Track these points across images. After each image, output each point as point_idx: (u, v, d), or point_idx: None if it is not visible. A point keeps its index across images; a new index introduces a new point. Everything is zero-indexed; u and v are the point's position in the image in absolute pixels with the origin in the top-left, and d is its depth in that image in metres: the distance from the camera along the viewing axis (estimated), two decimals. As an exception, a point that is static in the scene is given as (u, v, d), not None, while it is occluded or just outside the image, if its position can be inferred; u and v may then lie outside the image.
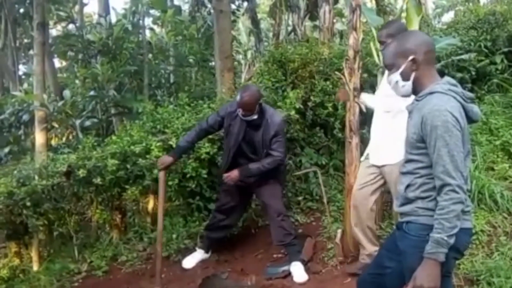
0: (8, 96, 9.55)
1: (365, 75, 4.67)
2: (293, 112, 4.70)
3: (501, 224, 3.90)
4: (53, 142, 8.01)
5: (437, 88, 2.01)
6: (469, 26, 6.36)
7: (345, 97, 3.80)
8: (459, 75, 5.66)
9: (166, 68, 9.78)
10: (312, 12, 8.87)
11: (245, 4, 10.25)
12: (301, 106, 4.91)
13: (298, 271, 3.80)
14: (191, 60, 9.89)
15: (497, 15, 6.33)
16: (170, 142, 4.37)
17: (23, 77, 13.21)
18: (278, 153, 3.80)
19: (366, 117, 3.89)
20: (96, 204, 4.72)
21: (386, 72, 3.52)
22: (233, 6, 9.64)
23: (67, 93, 6.91)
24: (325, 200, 4.19)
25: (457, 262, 2.75)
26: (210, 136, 4.35)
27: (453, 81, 2.07)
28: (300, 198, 4.90)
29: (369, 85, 4.84)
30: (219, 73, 5.80)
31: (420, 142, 2.01)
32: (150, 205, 4.88)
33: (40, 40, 5.63)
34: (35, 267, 4.53)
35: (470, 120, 2.05)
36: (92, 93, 7.54)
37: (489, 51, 6.14)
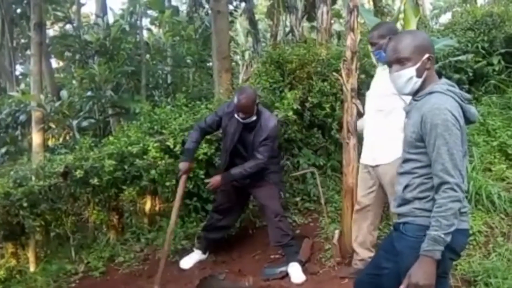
0: (5, 96, 9.52)
1: (363, 76, 4.66)
2: (290, 113, 4.70)
3: (498, 225, 3.90)
4: (50, 143, 7.99)
5: (436, 88, 2.01)
6: (466, 27, 6.37)
7: None
8: (456, 76, 5.66)
9: (164, 68, 9.77)
10: (310, 13, 8.87)
11: (243, 4, 10.25)
12: (299, 107, 4.91)
13: (295, 272, 3.80)
14: (188, 61, 9.88)
15: (494, 17, 6.34)
16: (168, 143, 4.37)
17: (20, 77, 13.19)
18: (262, 157, 3.80)
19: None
20: (93, 204, 4.71)
21: (380, 69, 3.57)
22: (231, 7, 9.63)
23: (64, 93, 6.89)
24: (322, 201, 4.19)
25: (454, 263, 2.76)
26: (208, 137, 4.35)
27: (451, 82, 2.08)
28: (297, 199, 4.90)
29: (367, 86, 4.81)
30: (216, 74, 5.80)
31: (419, 141, 2.01)
32: (147, 206, 4.88)
33: (37, 40, 5.62)
34: (32, 268, 4.51)
35: (468, 121, 2.05)
36: (89, 93, 7.53)
37: (486, 52, 6.15)
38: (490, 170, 4.57)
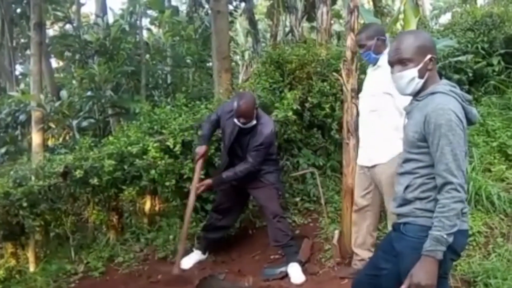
0: (4, 96, 9.51)
1: (363, 76, 4.65)
2: (290, 113, 4.70)
3: (498, 226, 3.90)
4: (50, 143, 7.98)
5: (439, 89, 2.01)
6: (466, 28, 6.37)
7: None
8: (456, 76, 5.66)
9: (164, 68, 9.76)
10: (310, 13, 8.87)
11: (243, 5, 10.24)
12: (299, 107, 4.91)
13: (295, 272, 3.80)
14: (188, 61, 9.87)
15: (494, 17, 6.34)
16: (167, 143, 4.37)
17: (20, 77, 13.19)
18: (253, 161, 3.84)
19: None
20: (93, 204, 4.71)
21: (371, 70, 3.58)
22: (231, 7, 9.62)
23: (64, 93, 6.89)
24: (323, 201, 4.19)
25: (454, 263, 2.76)
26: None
27: (452, 83, 2.08)
28: (297, 199, 4.90)
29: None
30: (216, 74, 5.80)
31: (421, 141, 2.01)
32: (147, 206, 4.88)
33: (37, 40, 5.61)
34: (32, 268, 4.51)
35: (469, 122, 2.05)
36: (89, 93, 7.52)
37: (486, 52, 6.15)
38: (489, 170, 4.57)
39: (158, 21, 10.54)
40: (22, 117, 8.01)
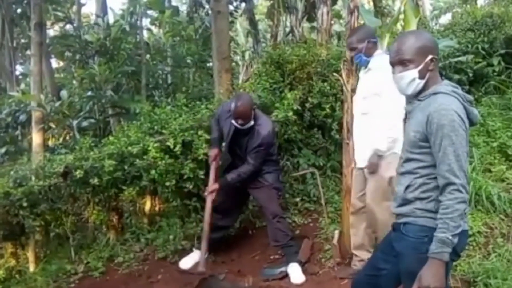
0: (5, 96, 9.50)
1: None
2: (290, 114, 4.70)
3: (498, 226, 3.90)
4: (50, 143, 7.97)
5: (441, 89, 2.01)
6: (466, 28, 6.37)
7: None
8: (456, 77, 5.65)
9: (164, 68, 9.75)
10: (310, 13, 8.85)
11: (243, 5, 10.23)
12: (299, 107, 4.91)
13: (295, 272, 3.80)
14: (188, 61, 9.86)
15: (494, 17, 6.33)
16: (168, 143, 4.37)
17: (20, 77, 13.17)
18: (254, 163, 3.88)
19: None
20: (93, 204, 4.71)
21: (363, 73, 3.60)
22: (231, 7, 9.61)
23: (64, 93, 6.87)
24: (323, 201, 4.19)
25: (454, 263, 2.76)
26: (208, 137, 4.36)
27: (453, 83, 2.07)
28: (297, 199, 4.90)
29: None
30: (216, 74, 5.79)
31: (423, 141, 2.01)
32: (147, 206, 4.88)
33: (38, 40, 5.61)
34: (32, 268, 4.52)
35: (470, 122, 2.04)
36: (89, 93, 7.51)
37: (486, 53, 6.14)
38: (490, 171, 4.57)
39: (159, 21, 10.53)
40: (22, 117, 8.00)
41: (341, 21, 11.79)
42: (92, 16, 12.82)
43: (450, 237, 1.89)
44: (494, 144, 4.85)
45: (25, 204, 4.21)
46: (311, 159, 5.05)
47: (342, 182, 4.06)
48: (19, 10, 10.83)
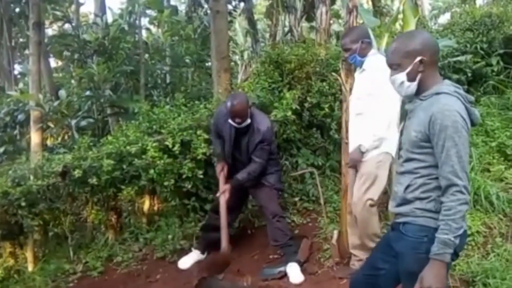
0: (3, 95, 9.47)
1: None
2: (289, 113, 4.70)
3: (496, 226, 3.91)
4: (48, 142, 7.95)
5: (443, 89, 2.00)
6: (465, 28, 6.37)
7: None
8: (455, 76, 5.66)
9: (163, 68, 9.74)
10: (309, 13, 8.84)
11: (242, 4, 10.22)
12: (298, 107, 4.91)
13: (294, 272, 3.80)
14: (187, 61, 9.85)
15: (493, 17, 6.34)
16: (166, 143, 4.36)
17: (19, 76, 13.12)
18: (260, 160, 3.88)
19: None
20: (92, 204, 4.71)
21: (357, 73, 3.61)
22: (230, 7, 9.59)
23: (62, 93, 6.87)
24: (322, 201, 4.19)
25: (453, 263, 2.76)
26: (206, 137, 4.36)
27: (455, 84, 2.07)
28: (296, 199, 4.90)
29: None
30: (215, 74, 5.78)
31: (424, 142, 2.00)
32: (146, 206, 4.88)
33: (36, 40, 5.59)
34: (30, 268, 4.51)
35: (471, 123, 2.03)
36: (88, 93, 7.50)
37: (485, 52, 6.15)
38: (488, 170, 4.58)
39: (157, 20, 10.50)
40: (20, 117, 7.97)
41: (340, 20, 11.77)
42: (91, 16, 12.81)
43: (452, 239, 1.89)
44: (493, 144, 4.86)
45: (23, 204, 4.20)
46: (310, 159, 5.05)
47: (341, 182, 4.06)
48: (17, 9, 10.80)
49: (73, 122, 6.55)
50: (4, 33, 10.24)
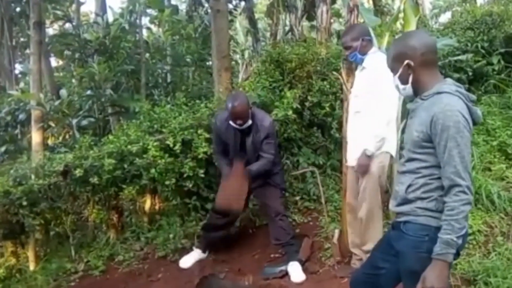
0: (4, 95, 9.48)
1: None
2: (290, 112, 4.70)
3: (498, 224, 3.91)
4: (49, 142, 7.95)
5: (445, 89, 2.00)
6: (466, 27, 6.37)
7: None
8: (456, 75, 5.66)
9: (163, 67, 9.73)
10: (310, 12, 8.85)
11: (243, 3, 10.23)
12: (299, 106, 4.91)
13: (295, 271, 3.81)
14: (188, 60, 9.84)
15: (494, 16, 6.33)
16: (167, 142, 4.37)
17: (20, 76, 13.13)
18: (270, 155, 3.87)
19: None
20: (93, 203, 4.72)
21: (358, 71, 3.62)
22: (231, 6, 9.61)
23: (63, 92, 6.86)
24: (323, 200, 4.19)
25: (454, 262, 2.76)
26: (207, 136, 4.36)
27: (457, 83, 2.07)
28: (297, 198, 4.90)
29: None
30: (216, 73, 5.78)
31: (426, 141, 2.00)
32: (147, 205, 4.88)
33: (37, 39, 5.58)
34: (32, 267, 4.51)
35: (473, 122, 2.04)
36: (89, 92, 7.50)
37: (486, 51, 6.15)
38: (489, 169, 4.58)
39: (158, 20, 10.50)
40: (21, 116, 7.98)
41: (341, 19, 11.77)
42: (91, 15, 12.81)
43: (455, 239, 1.88)
44: (494, 143, 4.86)
45: (25, 203, 4.21)
46: (311, 158, 5.06)
47: (342, 181, 4.06)
48: (18, 9, 10.81)
49: (74, 121, 6.55)
50: (5, 33, 10.25)
